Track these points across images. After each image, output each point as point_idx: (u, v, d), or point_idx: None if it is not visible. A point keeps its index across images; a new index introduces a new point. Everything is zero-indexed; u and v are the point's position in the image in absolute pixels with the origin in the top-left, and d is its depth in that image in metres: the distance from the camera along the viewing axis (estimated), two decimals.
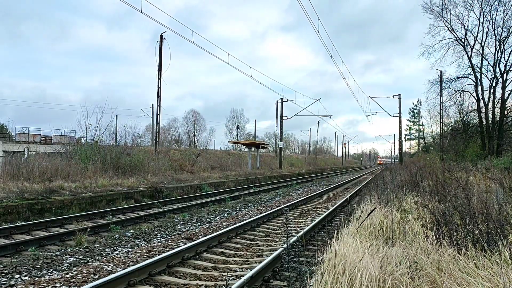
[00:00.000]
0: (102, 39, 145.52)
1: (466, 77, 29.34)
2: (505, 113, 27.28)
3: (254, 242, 8.25)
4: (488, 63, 27.96)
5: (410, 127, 67.24)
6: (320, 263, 3.94)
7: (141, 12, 16.46)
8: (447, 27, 28.31)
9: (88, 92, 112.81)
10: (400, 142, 42.03)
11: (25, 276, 5.64)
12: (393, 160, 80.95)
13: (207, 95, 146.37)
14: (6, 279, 5.45)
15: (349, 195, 16.75)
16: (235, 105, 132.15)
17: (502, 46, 26.91)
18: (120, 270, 5.56)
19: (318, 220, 9.79)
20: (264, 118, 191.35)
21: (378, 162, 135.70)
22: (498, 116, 27.34)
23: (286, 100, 40.78)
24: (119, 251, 7.25)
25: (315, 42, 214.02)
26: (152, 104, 52.60)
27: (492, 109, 27.76)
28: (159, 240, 8.39)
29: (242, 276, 5.18)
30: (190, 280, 5.55)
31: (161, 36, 24.64)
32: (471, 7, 27.22)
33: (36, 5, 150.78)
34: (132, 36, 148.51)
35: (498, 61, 27.35)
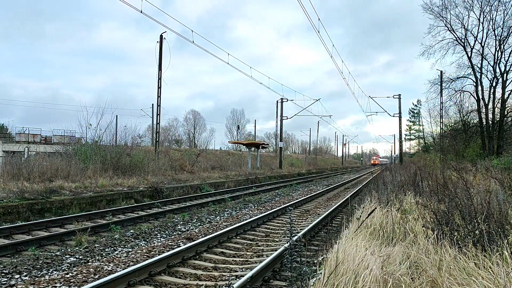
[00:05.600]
0: (116, 40, 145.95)
1: (466, 77, 29.33)
2: (505, 113, 27.27)
3: (254, 242, 8.24)
4: (488, 63, 27.96)
5: (410, 127, 67.32)
6: (321, 263, 3.93)
7: (141, 12, 16.47)
8: (447, 27, 28.30)
9: (102, 92, 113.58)
10: (400, 142, 42.04)
11: (25, 276, 5.64)
12: (393, 160, 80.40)
13: (217, 95, 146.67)
14: (6, 279, 5.44)
15: (349, 195, 16.75)
16: (246, 106, 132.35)
17: (502, 46, 26.89)
18: (120, 270, 5.55)
19: (318, 220, 9.79)
20: (273, 119, 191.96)
21: (372, 162, 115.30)
22: (498, 116, 27.33)
23: (286, 100, 40.83)
24: (119, 251, 7.25)
25: (335, 41, 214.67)
26: (152, 104, 52.56)
27: (492, 109, 27.75)
28: (159, 240, 8.39)
29: (242, 276, 5.17)
30: (190, 280, 5.54)
31: (161, 36, 24.63)
32: (471, 7, 27.21)
33: (56, 5, 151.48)
34: (153, 37, 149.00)
35: (498, 61, 27.35)
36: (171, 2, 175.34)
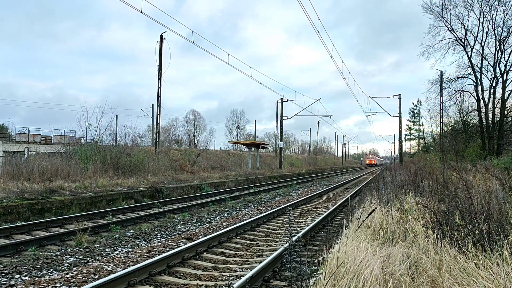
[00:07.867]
0: (124, 41, 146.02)
1: (466, 77, 29.35)
2: (505, 113, 27.29)
3: (254, 242, 8.24)
4: (488, 63, 27.97)
5: (410, 127, 67.30)
6: (321, 263, 3.93)
7: (141, 12, 16.47)
8: (447, 27, 28.33)
9: (107, 92, 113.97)
10: (400, 142, 42.02)
11: (25, 276, 5.64)
12: (393, 160, 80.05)
13: (221, 96, 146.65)
14: (6, 279, 5.44)
15: (349, 195, 16.75)
16: (250, 106, 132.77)
17: (502, 46, 26.91)
18: (120, 270, 5.55)
19: (318, 220, 9.78)
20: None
21: (367, 161, 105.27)
22: (498, 116, 27.35)
23: (286, 100, 40.83)
24: (119, 251, 7.25)
25: (348, 41, 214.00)
26: (152, 104, 52.61)
27: (492, 109, 27.77)
28: (159, 240, 8.38)
29: (243, 276, 5.17)
30: (190, 280, 5.54)
31: (161, 36, 24.61)
32: (471, 7, 27.22)
33: (68, 6, 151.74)
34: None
35: (498, 61, 27.37)
36: (183, 2, 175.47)
